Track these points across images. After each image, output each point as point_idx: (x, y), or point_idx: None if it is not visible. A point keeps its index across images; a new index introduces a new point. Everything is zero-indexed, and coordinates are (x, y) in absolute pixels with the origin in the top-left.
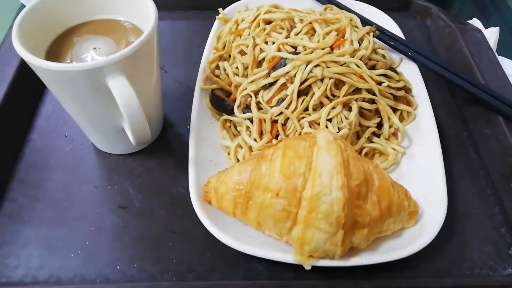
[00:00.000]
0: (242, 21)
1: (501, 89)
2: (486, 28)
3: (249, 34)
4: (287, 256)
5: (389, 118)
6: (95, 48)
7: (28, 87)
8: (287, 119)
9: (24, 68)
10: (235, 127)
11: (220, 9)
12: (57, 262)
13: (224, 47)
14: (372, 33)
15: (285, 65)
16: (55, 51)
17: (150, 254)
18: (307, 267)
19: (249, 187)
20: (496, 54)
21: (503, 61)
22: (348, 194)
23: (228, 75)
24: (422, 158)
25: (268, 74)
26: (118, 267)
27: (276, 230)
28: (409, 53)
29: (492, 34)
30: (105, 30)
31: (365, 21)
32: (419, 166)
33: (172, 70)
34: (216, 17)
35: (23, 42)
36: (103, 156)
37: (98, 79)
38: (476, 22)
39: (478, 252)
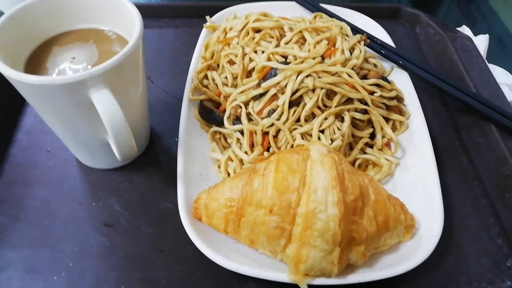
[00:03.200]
0: (230, 29)
1: (492, 97)
2: (475, 35)
3: (238, 43)
4: (281, 275)
5: (382, 128)
6: (73, 58)
7: (8, 99)
8: (278, 130)
9: (3, 79)
10: (225, 139)
11: (207, 17)
12: (38, 286)
13: (212, 57)
14: (363, 42)
15: (275, 75)
16: (34, 63)
17: (138, 275)
18: (303, 286)
19: (241, 204)
20: (486, 62)
21: (493, 68)
22: (344, 210)
23: (217, 85)
24: (416, 169)
25: (258, 85)
26: None
27: (270, 248)
28: (400, 62)
29: (482, 42)
30: (88, 39)
31: (355, 29)
32: (414, 178)
33: (158, 80)
34: (204, 25)
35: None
36: (87, 171)
37: (81, 93)
38: (465, 30)
39: (475, 265)
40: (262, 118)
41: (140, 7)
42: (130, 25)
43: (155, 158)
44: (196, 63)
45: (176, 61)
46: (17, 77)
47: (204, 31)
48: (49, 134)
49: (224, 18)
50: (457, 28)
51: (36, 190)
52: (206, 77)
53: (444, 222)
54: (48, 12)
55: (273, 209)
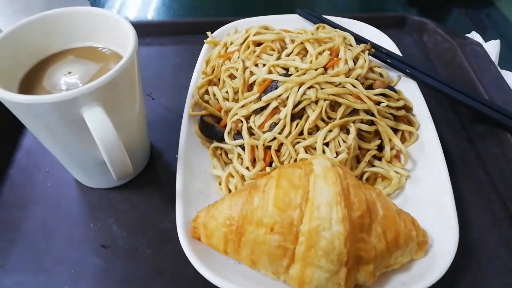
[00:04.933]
0: (231, 44)
1: (507, 104)
2: (486, 41)
3: (238, 57)
4: None
5: (390, 140)
6: (70, 73)
7: (8, 119)
8: (281, 144)
9: None
10: (227, 155)
11: (208, 33)
12: None
13: (213, 71)
14: (367, 51)
15: (276, 88)
16: (29, 82)
17: None
18: None
19: (241, 222)
20: (499, 68)
21: (506, 74)
22: (350, 227)
23: (217, 100)
24: (428, 181)
25: (259, 98)
26: None
27: (272, 269)
28: (407, 70)
29: (493, 48)
30: (83, 57)
31: (359, 39)
32: (426, 191)
33: (159, 96)
34: (205, 40)
35: None
36: (85, 191)
37: (73, 111)
38: (475, 36)
39: (495, 283)
40: (263, 132)
41: (141, 25)
42: (125, 42)
43: (155, 176)
44: (197, 78)
45: (178, 77)
46: (7, 97)
47: (205, 47)
48: (48, 155)
49: (225, 33)
50: (466, 35)
51: (34, 211)
52: (207, 92)
53: (460, 237)
54: (42, 32)
55: (274, 227)
